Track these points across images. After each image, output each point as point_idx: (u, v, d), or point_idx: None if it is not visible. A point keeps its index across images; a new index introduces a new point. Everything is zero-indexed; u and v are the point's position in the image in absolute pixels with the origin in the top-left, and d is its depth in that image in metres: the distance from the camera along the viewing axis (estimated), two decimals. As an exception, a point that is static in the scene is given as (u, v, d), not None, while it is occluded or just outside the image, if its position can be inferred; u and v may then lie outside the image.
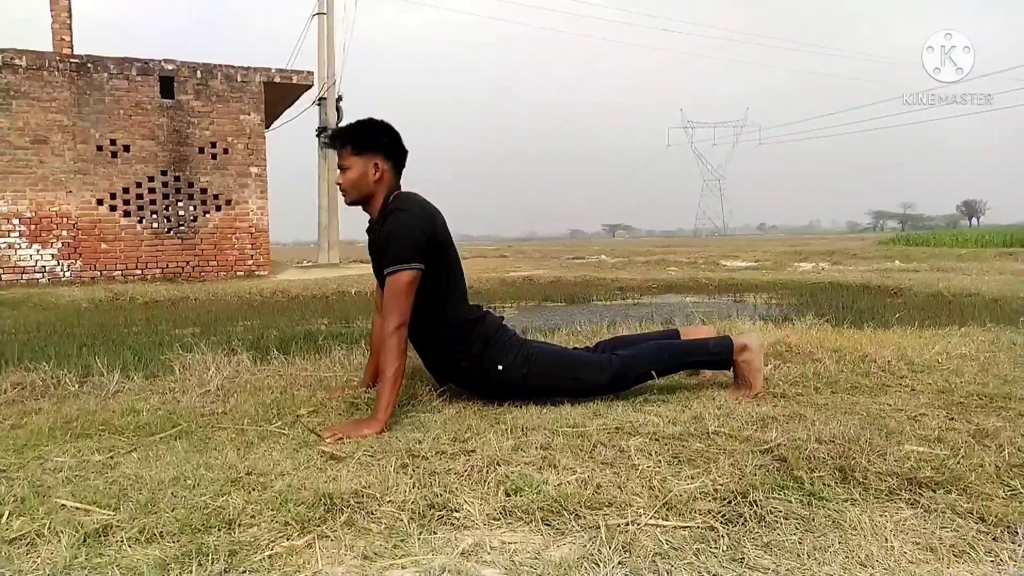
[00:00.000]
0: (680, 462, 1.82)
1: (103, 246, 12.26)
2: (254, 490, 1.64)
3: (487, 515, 1.52)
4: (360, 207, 2.50)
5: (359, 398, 2.55)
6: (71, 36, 12.84)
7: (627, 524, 1.46)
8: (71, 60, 11.96)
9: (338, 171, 2.45)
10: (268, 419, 2.31)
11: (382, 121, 2.45)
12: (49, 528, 1.44)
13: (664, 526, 1.45)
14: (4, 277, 11.63)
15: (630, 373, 2.52)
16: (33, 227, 11.85)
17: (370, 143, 2.41)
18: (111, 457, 1.95)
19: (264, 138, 13.38)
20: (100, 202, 12.21)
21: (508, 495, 1.61)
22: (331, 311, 6.96)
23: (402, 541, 1.41)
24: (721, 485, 1.63)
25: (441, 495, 1.60)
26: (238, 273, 13.09)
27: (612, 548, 1.35)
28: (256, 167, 13.21)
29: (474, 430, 2.11)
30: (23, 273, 11.80)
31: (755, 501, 1.54)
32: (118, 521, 1.47)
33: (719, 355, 2.60)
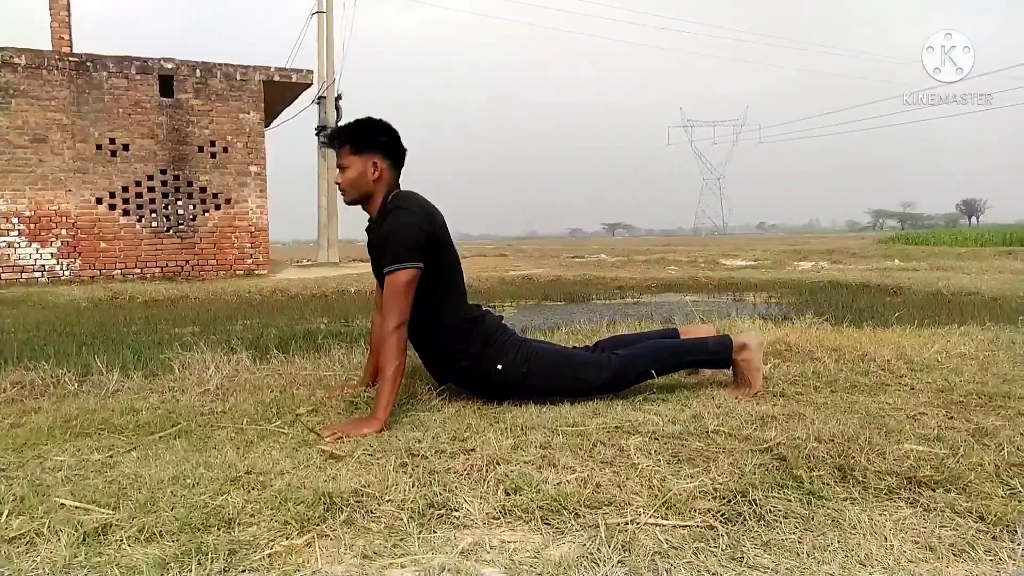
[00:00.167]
0: (679, 461, 1.82)
1: (102, 245, 12.25)
2: (253, 489, 1.64)
3: (487, 514, 1.52)
4: (359, 206, 2.50)
5: (358, 397, 2.55)
6: (70, 35, 12.83)
7: (626, 523, 1.46)
8: (70, 59, 11.95)
9: (337, 171, 2.45)
10: (267, 418, 2.31)
11: (380, 120, 2.45)
12: (48, 527, 1.44)
13: (663, 525, 1.45)
14: (3, 276, 11.62)
15: (629, 372, 2.52)
16: (32, 226, 11.84)
17: (369, 142, 2.41)
18: (110, 456, 1.95)
19: (263, 137, 13.37)
20: (99, 201, 12.20)
21: (508, 494, 1.61)
22: (330, 310, 6.96)
23: (401, 540, 1.41)
24: (720, 484, 1.63)
25: (441, 494, 1.60)
26: (237, 272, 13.08)
27: (611, 547, 1.35)
28: (255, 166, 13.21)
29: (473, 429, 2.11)
30: (22, 272, 11.79)
31: (754, 500, 1.54)
32: (117, 520, 1.47)
33: (718, 354, 2.59)
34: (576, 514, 1.51)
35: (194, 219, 12.86)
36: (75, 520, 1.47)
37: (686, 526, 1.45)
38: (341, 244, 18.73)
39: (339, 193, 2.50)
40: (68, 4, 12.85)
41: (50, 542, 1.39)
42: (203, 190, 12.87)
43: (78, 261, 12.11)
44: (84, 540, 1.39)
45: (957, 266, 12.35)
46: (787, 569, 1.28)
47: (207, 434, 2.17)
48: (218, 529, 1.43)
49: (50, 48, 12.42)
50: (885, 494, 1.60)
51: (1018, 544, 1.36)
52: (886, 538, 1.38)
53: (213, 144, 12.87)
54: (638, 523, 1.46)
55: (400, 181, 2.49)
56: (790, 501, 1.55)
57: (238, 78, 12.96)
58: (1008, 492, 1.59)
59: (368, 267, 2.96)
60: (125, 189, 12.34)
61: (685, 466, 1.77)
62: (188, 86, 12.65)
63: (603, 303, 8.25)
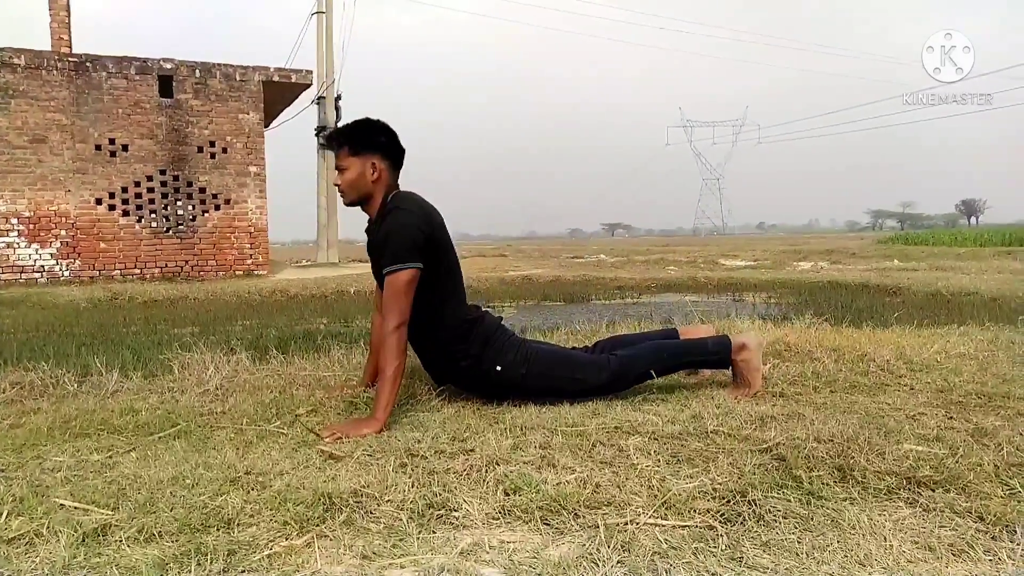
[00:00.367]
0: (679, 461, 1.82)
1: (102, 245, 12.25)
2: (253, 489, 1.64)
3: (486, 514, 1.52)
4: (359, 207, 2.50)
5: (358, 397, 2.55)
6: (70, 35, 12.83)
7: (626, 523, 1.46)
8: (69, 59, 11.94)
9: (336, 172, 2.45)
10: (267, 418, 2.31)
11: (378, 120, 2.45)
12: (48, 528, 1.44)
13: (663, 525, 1.45)
14: (3, 276, 11.62)
15: (629, 373, 2.52)
16: (32, 226, 11.84)
17: (367, 143, 2.41)
18: (110, 456, 1.95)
19: (263, 137, 13.37)
20: (99, 201, 12.20)
21: (507, 494, 1.61)
22: (330, 310, 6.96)
23: (401, 540, 1.41)
24: (720, 484, 1.63)
25: (440, 494, 1.60)
26: (237, 272, 13.08)
27: (611, 547, 1.35)
28: (255, 166, 13.21)
29: (473, 429, 2.11)
30: (22, 272, 11.78)
31: (754, 500, 1.54)
32: (117, 521, 1.47)
33: (718, 354, 2.59)
34: (575, 514, 1.51)
35: (193, 219, 12.86)
36: (74, 521, 1.47)
37: (685, 526, 1.45)
38: (340, 244, 18.73)
39: (339, 194, 2.50)
40: (67, 4, 12.85)
41: (49, 543, 1.39)
42: (202, 190, 12.87)
43: (77, 261, 12.11)
44: (83, 541, 1.39)
45: (956, 266, 12.35)
46: (786, 569, 1.28)
47: (206, 435, 2.17)
48: (217, 530, 1.43)
49: (49, 48, 12.42)
50: (884, 494, 1.60)
51: (1017, 544, 1.36)
52: (885, 538, 1.38)
53: (212, 144, 12.87)
54: (637, 523, 1.46)
55: (400, 181, 2.49)
56: (789, 501, 1.55)
57: (237, 78, 12.96)
58: (1007, 492, 1.59)
59: (367, 267, 2.96)
60: (124, 189, 12.34)
61: (684, 466, 1.77)
62: (187, 86, 12.65)
63: (602, 303, 8.25)
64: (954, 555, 1.33)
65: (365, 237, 2.56)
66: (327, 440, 2.04)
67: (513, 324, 3.02)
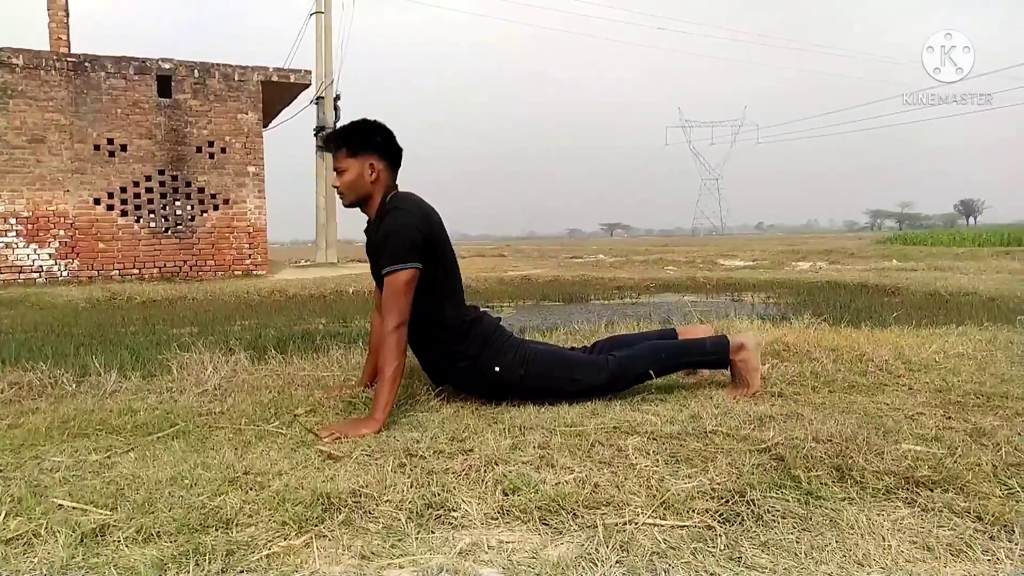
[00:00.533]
0: (678, 461, 1.82)
1: (100, 246, 12.24)
2: (251, 490, 1.64)
3: (485, 514, 1.52)
4: (358, 208, 2.50)
5: (357, 397, 2.55)
6: (68, 35, 12.83)
7: (625, 523, 1.46)
8: (68, 59, 11.93)
9: (334, 174, 2.45)
10: (266, 418, 2.31)
11: (375, 121, 2.45)
12: (46, 528, 1.44)
13: (662, 525, 1.45)
14: (1, 276, 11.61)
15: (627, 374, 2.52)
16: (30, 226, 11.82)
17: (365, 143, 2.41)
18: (108, 457, 1.95)
19: (262, 137, 13.36)
20: (97, 201, 12.19)
21: (506, 494, 1.61)
22: (329, 310, 6.96)
23: (400, 541, 1.41)
24: (719, 484, 1.63)
25: (439, 494, 1.60)
26: (236, 272, 13.07)
27: (610, 547, 1.35)
28: (254, 166, 13.20)
29: (472, 429, 2.11)
30: (20, 272, 11.77)
31: (753, 500, 1.55)
32: (115, 521, 1.47)
33: (716, 354, 2.60)
34: (574, 514, 1.51)
35: (192, 220, 12.85)
36: (73, 521, 1.47)
37: (684, 526, 1.45)
38: (339, 244, 18.72)
39: (337, 196, 2.50)
40: (66, 4, 12.85)
41: (48, 543, 1.39)
42: (201, 190, 12.86)
43: (76, 261, 12.10)
44: (82, 541, 1.39)
45: (955, 266, 12.36)
46: (785, 569, 1.28)
47: (205, 435, 2.17)
48: (216, 530, 1.43)
49: (48, 48, 12.42)
50: (883, 494, 1.60)
51: (1016, 544, 1.36)
52: (884, 538, 1.38)
53: (211, 144, 12.86)
54: (636, 523, 1.46)
55: (399, 181, 2.50)
56: (788, 501, 1.55)
57: (236, 78, 12.96)
58: (1006, 492, 1.59)
59: (366, 268, 2.96)
60: (123, 189, 12.33)
61: (683, 466, 1.78)
62: (186, 86, 12.64)
63: (601, 303, 8.25)
64: (952, 555, 1.33)
65: (364, 237, 2.56)
66: (326, 440, 2.04)
67: (512, 324, 3.02)
